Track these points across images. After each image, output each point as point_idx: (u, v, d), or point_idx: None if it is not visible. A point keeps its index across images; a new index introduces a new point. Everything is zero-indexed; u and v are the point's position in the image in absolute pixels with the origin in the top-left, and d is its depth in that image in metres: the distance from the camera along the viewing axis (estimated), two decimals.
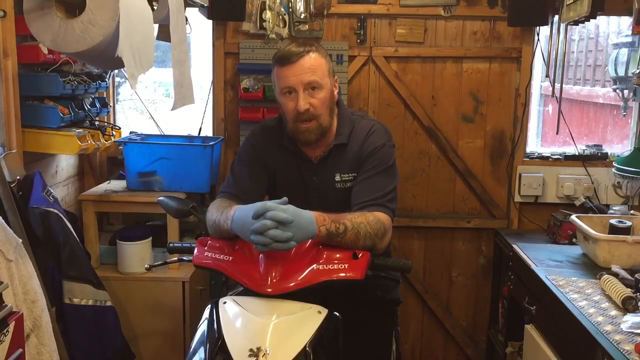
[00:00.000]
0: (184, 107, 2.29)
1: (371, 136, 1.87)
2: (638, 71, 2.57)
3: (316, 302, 1.47)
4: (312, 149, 1.89)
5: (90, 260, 2.48)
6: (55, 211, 2.25)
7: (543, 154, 3.10)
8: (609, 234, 2.26)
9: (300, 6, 2.83)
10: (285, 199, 1.52)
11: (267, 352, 1.29)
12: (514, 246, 2.54)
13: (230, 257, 1.57)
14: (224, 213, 1.63)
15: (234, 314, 1.41)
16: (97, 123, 2.73)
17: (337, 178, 1.87)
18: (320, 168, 1.89)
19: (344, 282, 1.51)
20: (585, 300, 1.87)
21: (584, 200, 2.99)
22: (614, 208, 2.76)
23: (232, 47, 2.96)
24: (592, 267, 2.18)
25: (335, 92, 1.88)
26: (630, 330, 1.64)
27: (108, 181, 2.91)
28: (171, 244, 1.85)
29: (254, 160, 1.90)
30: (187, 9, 2.54)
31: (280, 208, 1.47)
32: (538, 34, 2.94)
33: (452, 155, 3.06)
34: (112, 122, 3.11)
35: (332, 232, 1.56)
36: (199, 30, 3.04)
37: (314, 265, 1.51)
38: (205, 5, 2.73)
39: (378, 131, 1.88)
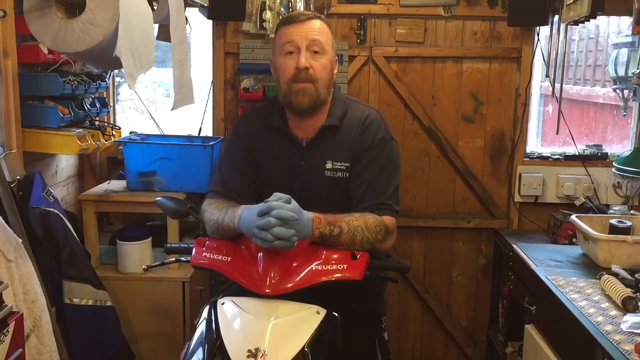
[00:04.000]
0: (184, 107, 2.30)
1: (368, 127, 1.80)
2: (638, 71, 2.57)
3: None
4: (301, 127, 1.82)
5: (90, 260, 2.48)
6: (55, 211, 2.26)
7: (543, 154, 3.10)
8: (609, 234, 2.26)
9: (300, 6, 2.83)
10: (288, 197, 1.51)
11: (266, 352, 1.29)
12: (514, 246, 2.54)
13: (229, 258, 1.56)
14: (228, 212, 1.63)
15: (232, 315, 1.41)
16: (97, 123, 2.73)
17: (328, 165, 1.79)
18: (309, 152, 1.82)
19: (342, 283, 1.51)
20: (585, 300, 1.87)
21: (584, 200, 2.98)
22: (614, 208, 2.75)
23: (232, 47, 2.96)
24: (592, 267, 2.17)
25: (335, 71, 1.85)
26: (630, 330, 1.64)
27: (108, 181, 2.91)
28: (169, 245, 1.83)
29: (242, 153, 1.85)
30: (187, 9, 2.54)
31: (285, 207, 1.46)
32: (538, 34, 2.93)
33: (452, 155, 3.06)
34: (112, 122, 3.11)
35: (325, 235, 1.56)
36: (199, 30, 3.04)
37: (313, 266, 1.51)
38: (205, 5, 2.73)
39: (375, 121, 1.82)
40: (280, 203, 1.47)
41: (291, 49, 1.75)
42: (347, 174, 1.79)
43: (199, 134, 3.12)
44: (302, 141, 1.83)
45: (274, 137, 1.85)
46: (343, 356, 1.49)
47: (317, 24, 1.77)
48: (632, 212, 2.68)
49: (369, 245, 1.62)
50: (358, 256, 1.56)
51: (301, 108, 1.76)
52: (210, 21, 2.93)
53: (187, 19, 2.58)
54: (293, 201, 1.50)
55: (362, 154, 1.78)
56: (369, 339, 1.84)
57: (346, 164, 1.79)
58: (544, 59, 2.97)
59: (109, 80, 2.87)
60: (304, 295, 1.47)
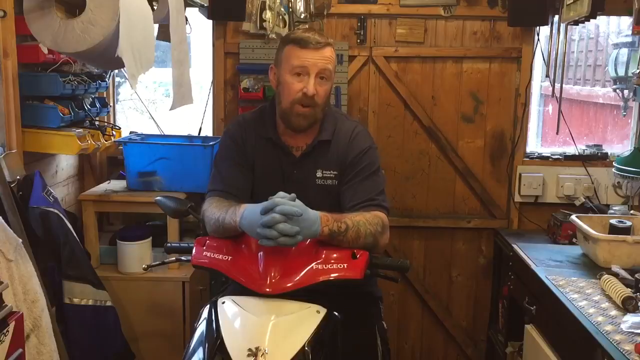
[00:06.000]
0: (184, 107, 2.30)
1: (356, 138, 1.89)
2: (638, 71, 2.57)
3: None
4: (294, 139, 1.88)
5: (90, 260, 2.48)
6: (55, 211, 2.26)
7: (543, 154, 3.10)
8: (609, 234, 2.26)
9: (300, 6, 2.83)
10: (293, 195, 1.52)
11: (266, 351, 1.29)
12: (514, 246, 2.54)
13: (229, 257, 1.56)
14: (229, 211, 1.63)
15: (233, 314, 1.41)
16: (97, 123, 2.74)
17: (319, 174, 1.87)
18: (301, 162, 1.89)
19: (342, 282, 1.51)
20: (585, 300, 1.87)
21: (584, 200, 2.98)
22: (614, 208, 2.75)
23: (232, 47, 2.96)
24: (592, 267, 2.17)
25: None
26: (630, 330, 1.64)
27: (108, 181, 2.91)
28: (169, 244, 1.84)
29: (237, 153, 1.89)
30: (187, 9, 2.54)
31: (290, 203, 1.48)
32: (538, 34, 2.93)
33: (452, 155, 3.06)
34: (112, 122, 3.11)
35: (334, 232, 1.58)
36: (199, 30, 3.04)
37: (313, 265, 1.51)
38: (205, 5, 2.73)
39: (361, 133, 1.92)
40: (285, 200, 1.48)
41: (301, 72, 1.79)
42: (336, 182, 1.88)
43: (199, 134, 3.12)
44: (294, 151, 1.89)
45: (267, 146, 1.90)
46: (343, 354, 1.49)
47: (329, 52, 1.81)
48: (632, 212, 2.68)
49: (372, 239, 1.66)
50: (358, 255, 1.56)
51: (299, 129, 1.84)
52: (210, 21, 2.93)
53: (187, 19, 2.58)
54: (297, 200, 1.52)
55: (352, 161, 1.86)
56: (369, 325, 1.89)
57: (334, 172, 1.88)
58: (544, 59, 2.97)
59: (109, 80, 2.87)
60: (304, 294, 1.47)
